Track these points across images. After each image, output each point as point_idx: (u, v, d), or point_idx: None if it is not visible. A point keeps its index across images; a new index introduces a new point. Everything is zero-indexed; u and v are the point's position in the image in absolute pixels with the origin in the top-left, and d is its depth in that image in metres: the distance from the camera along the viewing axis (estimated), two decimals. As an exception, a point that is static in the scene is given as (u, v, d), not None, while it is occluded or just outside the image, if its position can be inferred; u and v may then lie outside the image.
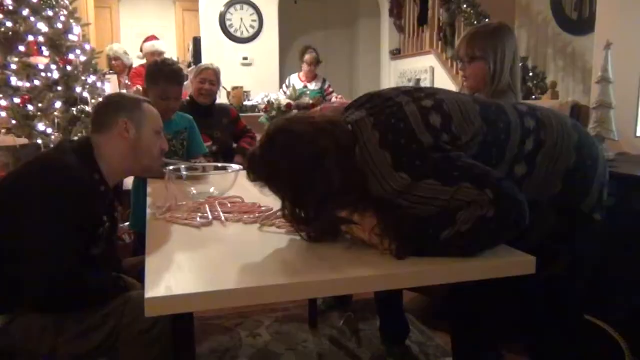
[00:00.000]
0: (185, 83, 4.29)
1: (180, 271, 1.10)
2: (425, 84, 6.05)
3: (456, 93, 1.41)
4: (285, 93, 4.82)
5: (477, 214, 1.10)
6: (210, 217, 1.50)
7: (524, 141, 1.27)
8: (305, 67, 4.94)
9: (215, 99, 3.18)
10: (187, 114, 2.62)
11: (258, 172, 1.23)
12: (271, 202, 1.62)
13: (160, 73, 2.34)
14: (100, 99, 1.56)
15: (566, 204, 1.33)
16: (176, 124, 2.49)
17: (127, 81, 4.51)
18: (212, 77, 3.07)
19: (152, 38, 5.00)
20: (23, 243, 1.29)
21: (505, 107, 1.32)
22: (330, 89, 4.94)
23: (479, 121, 1.25)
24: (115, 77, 4.70)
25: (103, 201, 1.48)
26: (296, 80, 5.02)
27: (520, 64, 2.02)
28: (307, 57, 4.90)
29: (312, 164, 1.16)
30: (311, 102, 4.08)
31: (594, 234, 1.39)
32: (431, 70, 6.04)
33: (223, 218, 1.49)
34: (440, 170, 1.15)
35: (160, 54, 4.71)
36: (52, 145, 3.24)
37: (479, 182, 1.11)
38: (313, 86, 4.96)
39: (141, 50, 5.00)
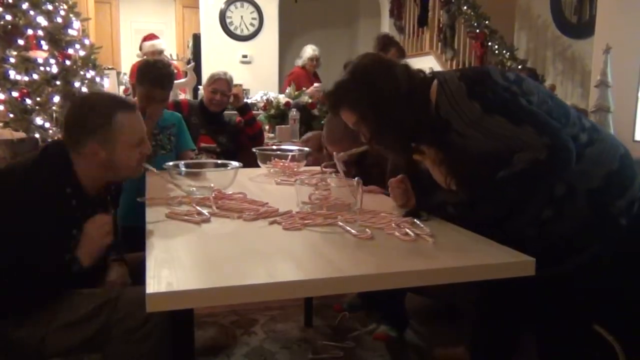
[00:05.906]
0: (186, 80, 4.29)
1: (181, 267, 1.10)
2: (424, 84, 6.05)
3: None
4: None
5: (531, 156, 1.27)
6: (231, 213, 1.50)
7: (578, 134, 1.38)
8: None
9: (225, 108, 3.16)
10: (197, 116, 2.55)
11: (358, 101, 1.47)
12: (275, 199, 1.63)
13: (148, 74, 2.33)
14: (71, 104, 1.48)
15: (600, 201, 1.37)
16: (163, 120, 2.50)
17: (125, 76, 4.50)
18: (224, 88, 3.04)
19: (152, 37, 4.93)
20: None
21: (568, 107, 1.47)
22: None
23: (546, 97, 1.43)
24: (114, 72, 4.68)
25: (71, 215, 1.42)
26: None
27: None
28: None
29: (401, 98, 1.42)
30: (310, 101, 4.08)
31: (617, 239, 1.39)
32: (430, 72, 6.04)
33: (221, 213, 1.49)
34: (509, 109, 1.32)
35: (160, 52, 4.67)
36: (49, 140, 3.23)
37: (540, 128, 1.29)
38: None
39: (140, 49, 4.94)
